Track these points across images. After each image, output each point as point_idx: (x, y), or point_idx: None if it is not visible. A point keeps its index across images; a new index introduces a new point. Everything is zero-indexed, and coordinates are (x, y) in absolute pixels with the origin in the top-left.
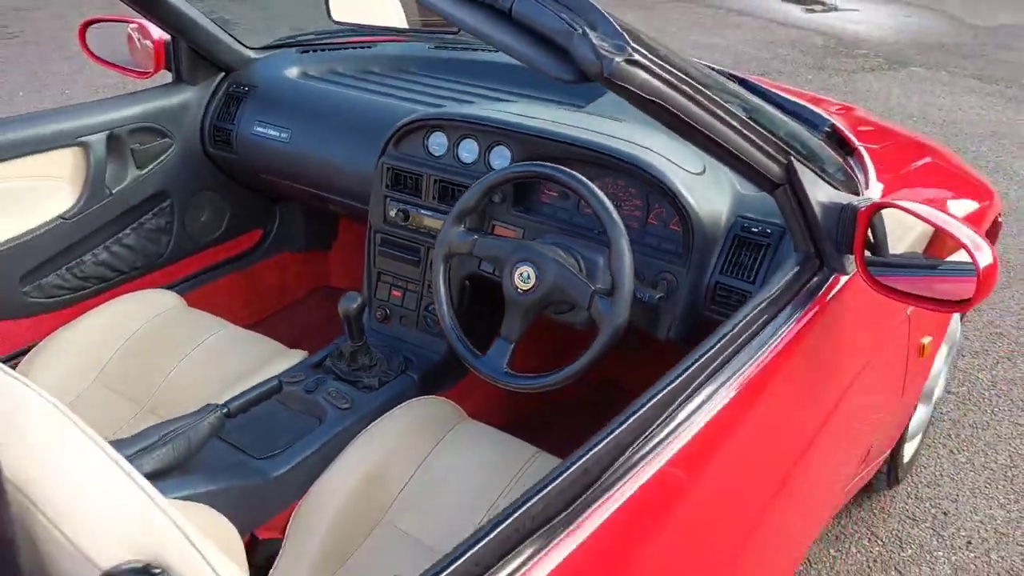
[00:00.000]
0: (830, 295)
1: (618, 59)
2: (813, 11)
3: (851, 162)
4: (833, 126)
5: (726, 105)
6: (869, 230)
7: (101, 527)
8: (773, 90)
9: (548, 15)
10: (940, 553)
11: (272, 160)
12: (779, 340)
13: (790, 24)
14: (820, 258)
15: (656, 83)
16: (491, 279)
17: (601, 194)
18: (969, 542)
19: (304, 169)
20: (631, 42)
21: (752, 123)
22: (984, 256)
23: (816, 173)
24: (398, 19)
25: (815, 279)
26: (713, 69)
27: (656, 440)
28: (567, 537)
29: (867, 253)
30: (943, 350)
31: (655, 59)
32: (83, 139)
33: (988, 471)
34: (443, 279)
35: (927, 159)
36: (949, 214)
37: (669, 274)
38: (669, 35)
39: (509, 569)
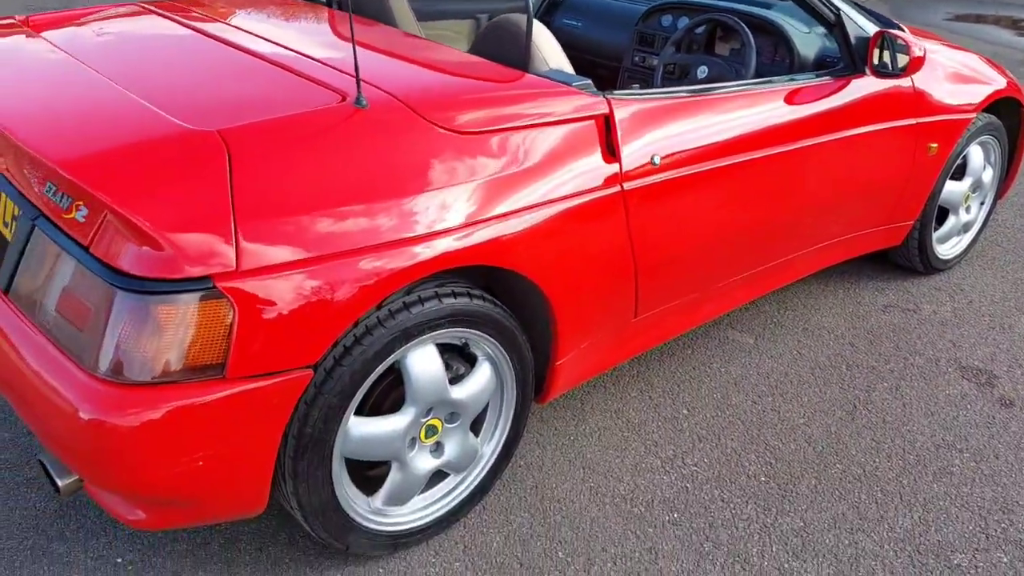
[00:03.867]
0: (854, 79)
1: None
2: None
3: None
4: (901, 27)
5: None
6: (884, 52)
7: None
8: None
9: None
10: (947, 303)
11: (571, 38)
12: (816, 83)
13: (999, 43)
14: (854, 64)
15: None
16: None
17: (745, 27)
18: (970, 302)
19: (587, 43)
20: None
21: None
22: (915, 51)
23: (853, 21)
24: None
25: (848, 72)
26: None
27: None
28: None
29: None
30: (967, 181)
31: None
32: None
33: (1004, 279)
34: (659, 76)
35: (962, 50)
36: (912, 36)
37: None
38: None
39: None
